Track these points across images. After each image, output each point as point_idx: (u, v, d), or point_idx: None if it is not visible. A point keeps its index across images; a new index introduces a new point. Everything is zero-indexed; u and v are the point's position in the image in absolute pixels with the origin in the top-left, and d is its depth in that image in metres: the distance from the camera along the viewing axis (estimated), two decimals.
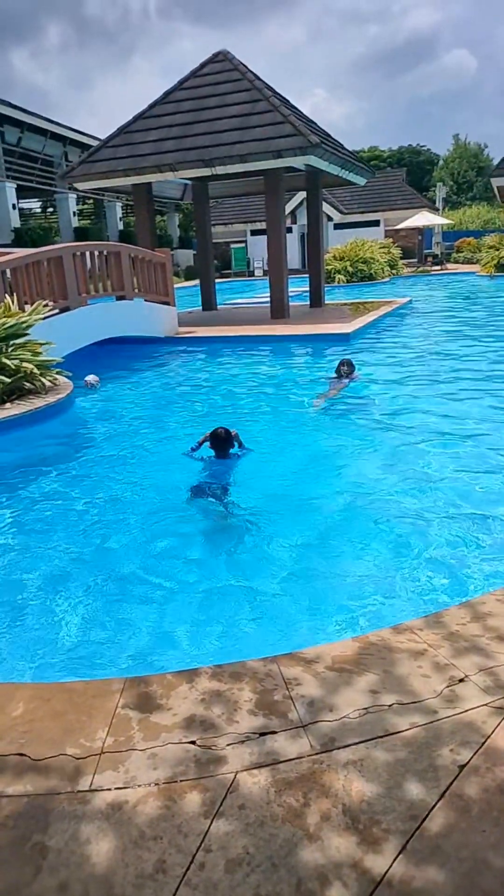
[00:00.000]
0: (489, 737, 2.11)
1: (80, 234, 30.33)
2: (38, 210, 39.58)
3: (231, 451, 5.47)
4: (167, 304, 13.43)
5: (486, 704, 2.25)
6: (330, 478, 5.58)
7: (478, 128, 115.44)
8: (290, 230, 28.78)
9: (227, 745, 2.14)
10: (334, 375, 8.94)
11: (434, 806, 1.87)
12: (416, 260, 33.41)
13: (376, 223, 35.80)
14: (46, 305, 9.07)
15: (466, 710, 2.23)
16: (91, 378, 9.46)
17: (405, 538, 4.28)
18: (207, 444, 5.45)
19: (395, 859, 1.71)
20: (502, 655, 2.52)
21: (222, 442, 5.37)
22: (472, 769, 1.99)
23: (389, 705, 2.28)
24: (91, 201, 34.89)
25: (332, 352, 11.13)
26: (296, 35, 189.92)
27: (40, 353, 8.10)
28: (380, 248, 27.48)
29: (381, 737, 2.13)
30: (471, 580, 3.73)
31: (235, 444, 5.52)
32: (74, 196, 30.58)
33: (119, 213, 34.83)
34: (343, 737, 2.14)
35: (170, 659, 3.17)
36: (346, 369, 8.80)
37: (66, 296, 10.28)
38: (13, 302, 8.62)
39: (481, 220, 45.24)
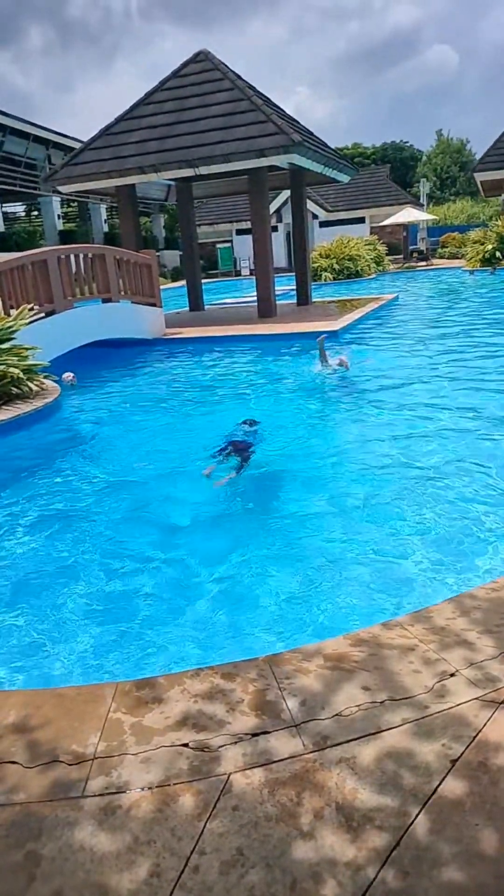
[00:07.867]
0: (480, 730, 2.11)
1: (66, 237, 30.14)
2: (23, 214, 39.36)
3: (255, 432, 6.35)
4: (154, 305, 13.39)
5: (477, 698, 2.26)
6: (324, 476, 5.61)
7: (460, 123, 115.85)
8: (275, 229, 28.76)
9: (220, 746, 2.13)
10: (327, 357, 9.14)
11: (427, 801, 1.87)
12: (401, 256, 33.46)
13: (361, 220, 35.81)
14: (32, 309, 9.03)
15: (458, 705, 2.24)
16: (67, 375, 9.44)
17: (404, 533, 4.31)
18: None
19: (389, 855, 1.72)
20: (491, 649, 2.53)
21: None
22: (465, 763, 1.99)
23: (381, 702, 2.28)
24: (75, 204, 34.71)
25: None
26: (278, 33, 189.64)
27: (26, 357, 8.07)
28: (365, 244, 27.50)
29: (374, 734, 2.14)
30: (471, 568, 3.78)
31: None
32: (59, 199, 30.38)
33: (104, 215, 34.66)
34: (336, 735, 2.14)
35: (165, 658, 3.17)
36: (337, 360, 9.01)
37: (52, 299, 10.23)
38: None
39: (465, 215, 45.36)
